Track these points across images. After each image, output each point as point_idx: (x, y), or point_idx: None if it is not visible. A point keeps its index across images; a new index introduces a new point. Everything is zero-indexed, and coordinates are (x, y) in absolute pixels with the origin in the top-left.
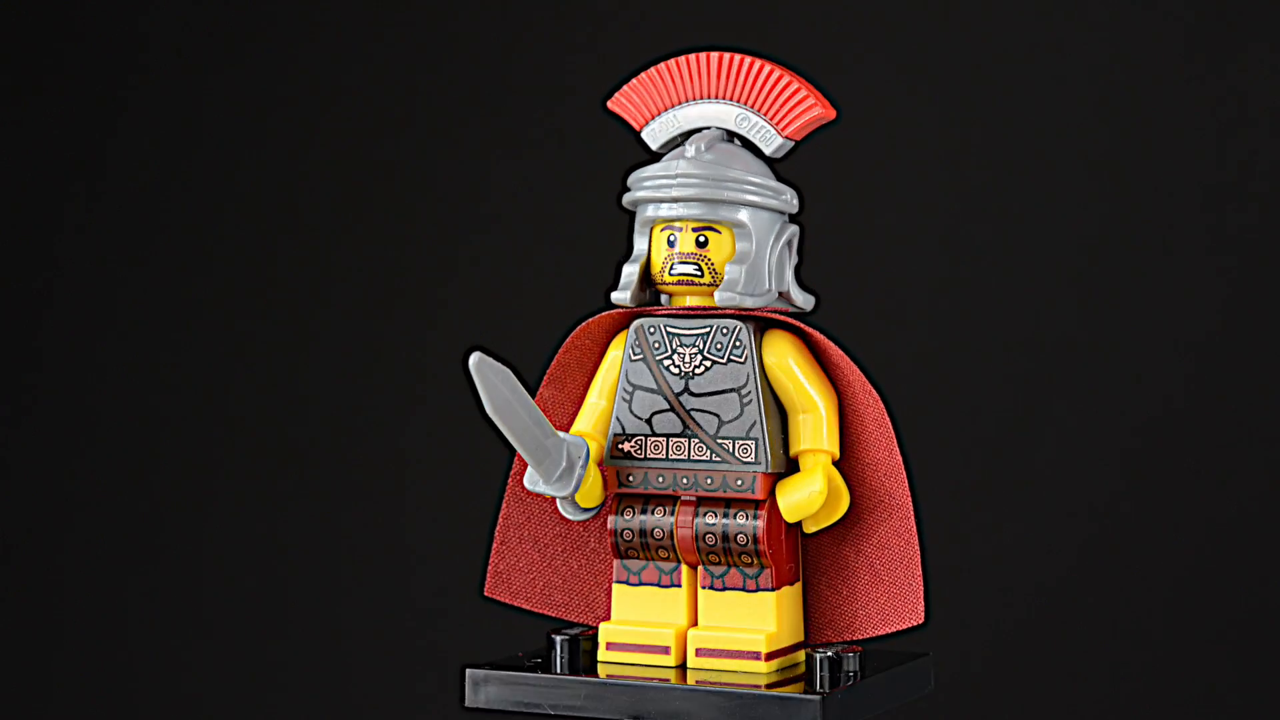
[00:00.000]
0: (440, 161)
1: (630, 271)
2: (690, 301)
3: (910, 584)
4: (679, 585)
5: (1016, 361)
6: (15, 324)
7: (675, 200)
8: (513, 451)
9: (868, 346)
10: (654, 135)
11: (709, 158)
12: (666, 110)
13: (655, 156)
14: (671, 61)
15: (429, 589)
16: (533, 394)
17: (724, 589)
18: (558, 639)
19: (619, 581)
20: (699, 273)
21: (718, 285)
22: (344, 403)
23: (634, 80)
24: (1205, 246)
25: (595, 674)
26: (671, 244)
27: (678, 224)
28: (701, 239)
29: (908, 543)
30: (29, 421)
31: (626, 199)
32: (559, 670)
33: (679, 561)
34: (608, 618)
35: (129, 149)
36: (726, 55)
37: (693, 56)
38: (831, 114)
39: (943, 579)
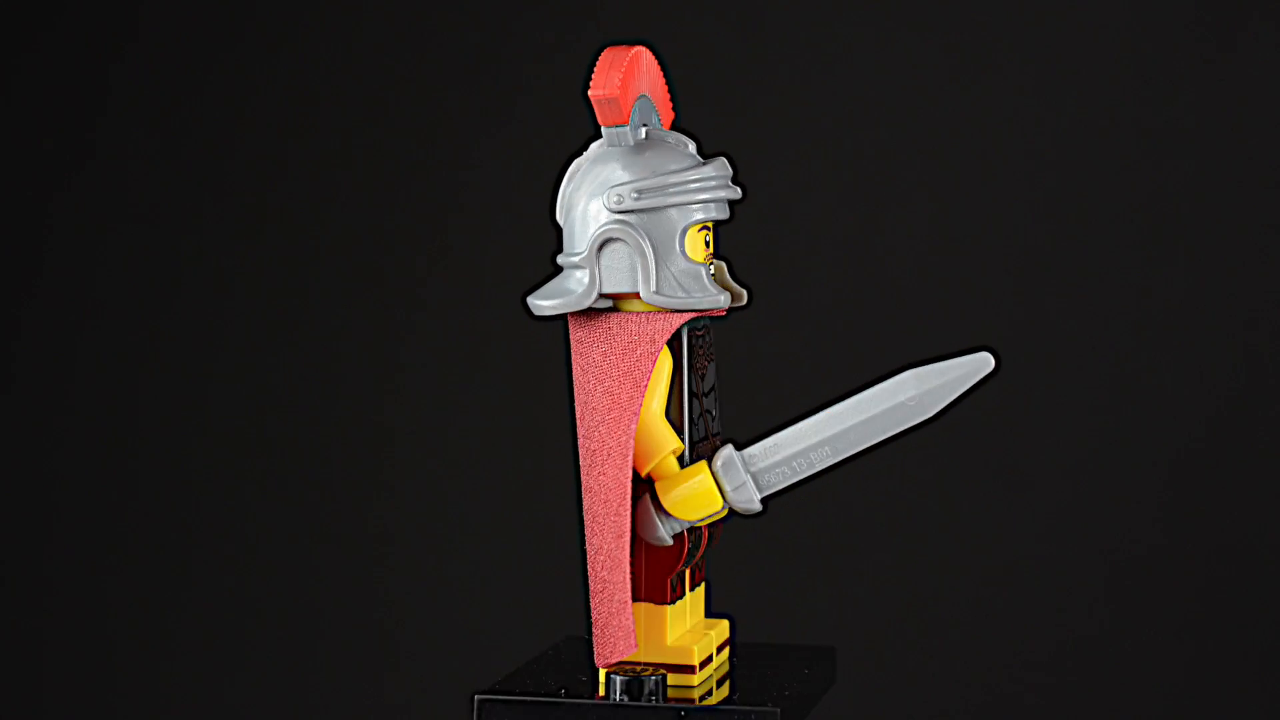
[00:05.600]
0: (423, 156)
1: (707, 272)
2: None
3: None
4: (684, 592)
5: (1027, 367)
6: None
7: (735, 201)
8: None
9: (878, 347)
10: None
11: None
12: (638, 101)
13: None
14: (636, 51)
15: (415, 605)
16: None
17: (693, 588)
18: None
19: (670, 602)
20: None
21: None
22: (329, 401)
23: (625, 69)
24: (1229, 249)
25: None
26: (709, 244)
27: (710, 225)
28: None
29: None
30: (5, 416)
31: (680, 199)
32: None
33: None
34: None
35: (110, 142)
36: (645, 50)
37: (641, 50)
38: (672, 115)
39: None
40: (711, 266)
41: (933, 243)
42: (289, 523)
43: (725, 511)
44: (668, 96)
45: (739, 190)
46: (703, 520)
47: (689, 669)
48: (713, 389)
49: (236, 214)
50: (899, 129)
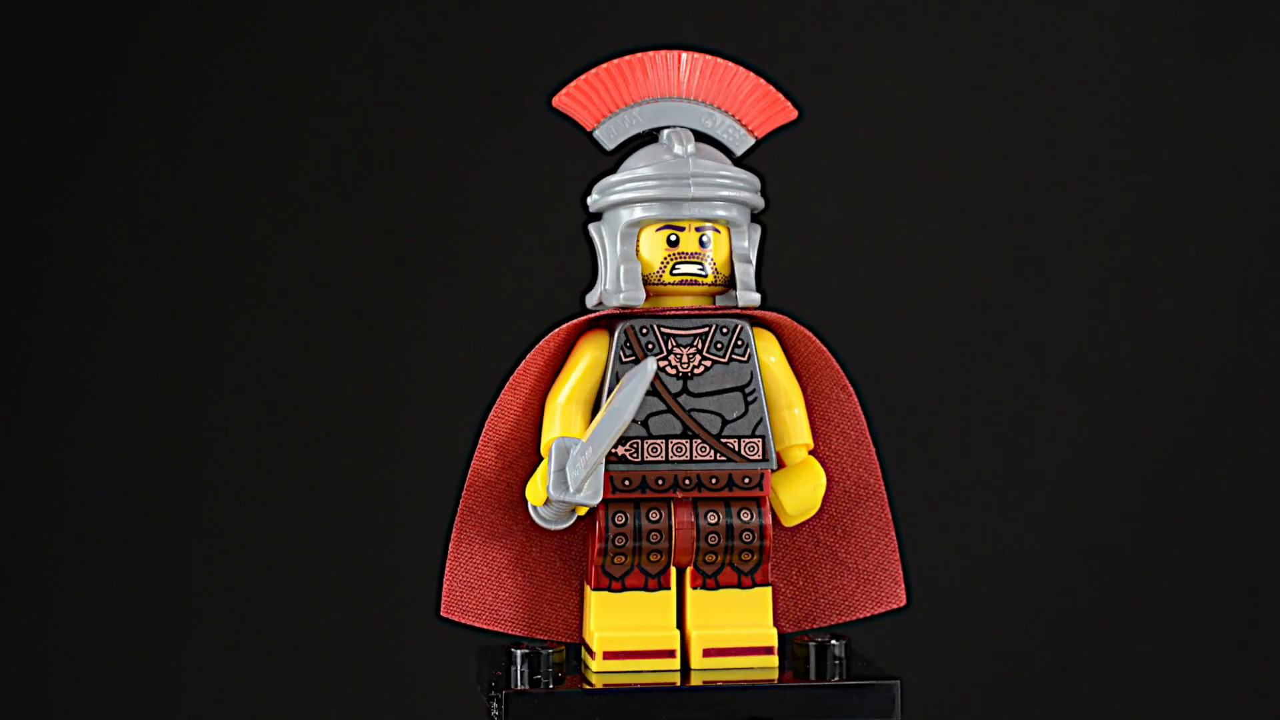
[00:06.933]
0: (426, 164)
1: (634, 270)
2: (685, 301)
3: (887, 569)
4: (667, 587)
5: (1025, 371)
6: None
7: (695, 200)
8: (464, 472)
9: (869, 350)
10: (609, 133)
11: (704, 157)
12: (622, 109)
13: (607, 154)
14: (627, 60)
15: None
16: (494, 397)
17: (718, 587)
18: (519, 653)
19: (599, 589)
20: (703, 272)
21: (716, 284)
22: (331, 405)
23: (586, 78)
24: (1225, 253)
25: (592, 684)
26: (673, 243)
27: (680, 224)
28: (705, 238)
29: (882, 530)
30: (18, 424)
31: (615, 199)
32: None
33: (668, 563)
34: (557, 633)
35: (114, 149)
36: (695, 55)
37: (656, 55)
38: (794, 114)
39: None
40: (640, 265)
41: (932, 245)
42: (296, 524)
43: (582, 508)
44: (764, 96)
45: (686, 191)
46: (551, 503)
47: (591, 652)
48: (726, 390)
49: (243, 218)
50: (900, 132)
